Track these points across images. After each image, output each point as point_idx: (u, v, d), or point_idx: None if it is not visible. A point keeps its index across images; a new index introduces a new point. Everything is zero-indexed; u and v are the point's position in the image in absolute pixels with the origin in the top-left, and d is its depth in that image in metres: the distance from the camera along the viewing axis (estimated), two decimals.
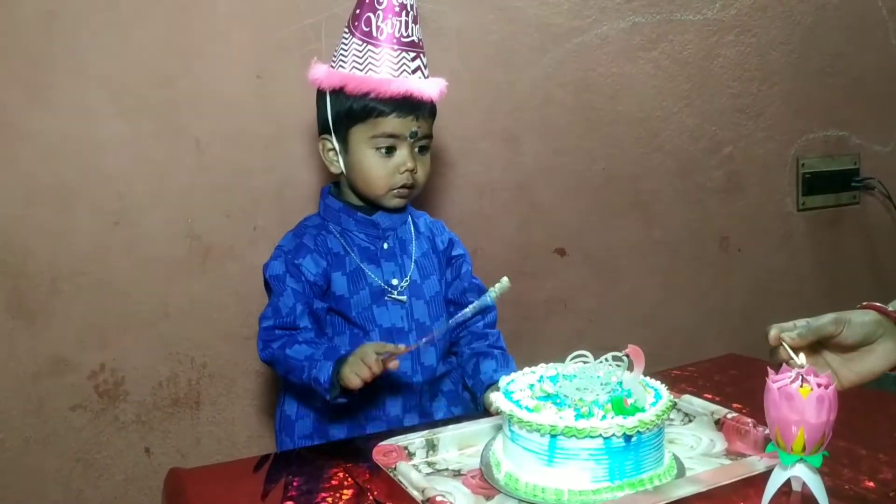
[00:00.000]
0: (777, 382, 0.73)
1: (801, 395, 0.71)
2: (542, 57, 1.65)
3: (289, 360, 1.08)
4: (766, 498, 0.76)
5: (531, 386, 0.91)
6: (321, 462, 0.97)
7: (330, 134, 1.17)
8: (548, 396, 0.87)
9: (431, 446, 0.95)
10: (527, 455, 0.83)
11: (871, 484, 0.85)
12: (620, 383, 0.87)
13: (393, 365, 1.02)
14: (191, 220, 1.39)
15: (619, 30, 1.72)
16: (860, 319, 0.82)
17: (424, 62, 1.16)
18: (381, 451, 0.93)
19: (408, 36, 1.13)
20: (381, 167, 1.14)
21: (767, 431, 0.87)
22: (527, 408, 0.84)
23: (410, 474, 0.86)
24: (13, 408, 1.31)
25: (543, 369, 0.95)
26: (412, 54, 1.13)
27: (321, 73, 1.16)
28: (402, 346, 1.04)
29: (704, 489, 0.82)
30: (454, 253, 1.27)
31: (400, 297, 1.17)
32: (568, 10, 1.66)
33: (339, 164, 1.18)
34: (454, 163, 1.59)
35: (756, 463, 0.86)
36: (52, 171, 1.29)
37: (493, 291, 1.04)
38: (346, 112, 1.13)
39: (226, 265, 1.42)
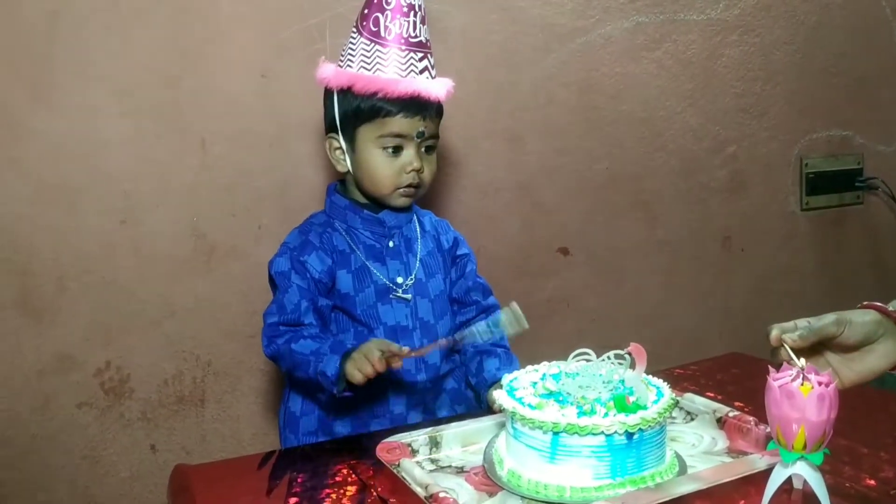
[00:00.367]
0: (778, 380, 0.74)
1: (802, 393, 0.71)
2: (546, 57, 1.65)
3: (294, 354, 1.09)
4: (767, 495, 0.76)
5: (534, 384, 0.91)
6: (325, 459, 0.97)
7: (337, 133, 1.17)
8: (550, 394, 0.88)
9: (435, 443, 0.96)
10: (529, 452, 0.84)
11: (872, 482, 0.85)
12: (623, 381, 0.88)
13: (396, 364, 1.02)
14: (195, 218, 1.40)
15: (622, 30, 1.72)
16: (861, 319, 0.83)
17: (432, 62, 1.16)
18: (385, 448, 0.94)
19: (416, 36, 1.13)
20: (388, 166, 1.15)
21: (769, 429, 0.87)
22: (529, 405, 0.85)
23: (414, 471, 0.87)
24: (20, 405, 1.32)
25: (546, 367, 0.96)
26: (420, 54, 1.14)
27: (329, 72, 1.16)
28: (406, 349, 1.04)
29: (706, 487, 0.82)
30: (459, 252, 1.27)
31: (405, 296, 1.18)
32: (571, 10, 1.66)
33: (345, 163, 1.18)
34: (457, 162, 1.59)
35: (757, 461, 0.87)
36: (58, 170, 1.30)
37: (508, 326, 1.03)
38: (354, 111, 1.14)
39: (230, 264, 1.43)
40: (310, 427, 1.18)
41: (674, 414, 1.02)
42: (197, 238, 1.40)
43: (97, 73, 1.31)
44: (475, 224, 1.60)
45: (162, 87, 1.35)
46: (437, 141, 1.20)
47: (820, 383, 0.72)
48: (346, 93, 1.14)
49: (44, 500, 1.35)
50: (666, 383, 0.91)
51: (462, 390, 1.24)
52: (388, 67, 1.12)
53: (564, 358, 0.92)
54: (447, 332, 1.22)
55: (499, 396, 0.89)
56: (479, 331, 1.06)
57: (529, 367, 0.97)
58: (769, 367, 0.76)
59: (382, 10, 1.12)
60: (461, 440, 0.97)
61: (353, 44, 1.15)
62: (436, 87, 1.15)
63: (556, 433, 0.81)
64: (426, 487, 0.82)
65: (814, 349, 0.83)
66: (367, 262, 1.17)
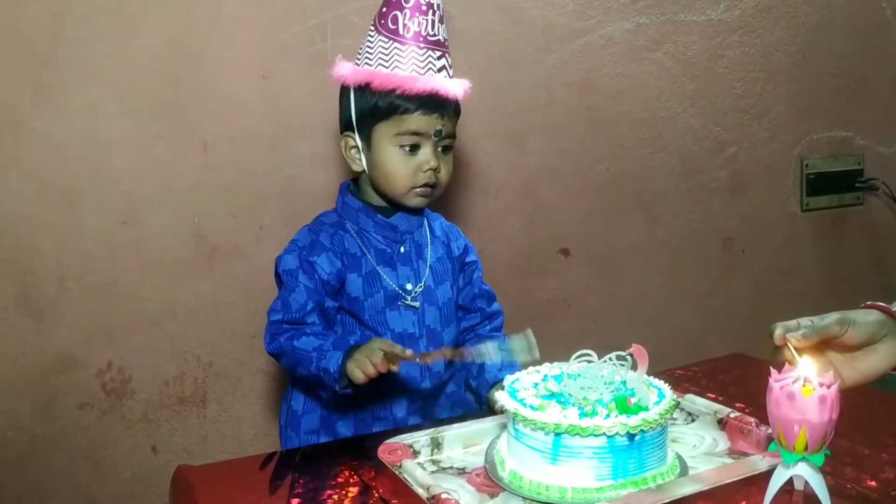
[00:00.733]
0: (779, 382, 0.74)
1: (804, 394, 0.71)
2: (547, 57, 1.65)
3: (297, 351, 1.08)
4: (769, 497, 0.76)
5: (535, 385, 0.91)
6: (327, 460, 0.97)
7: (353, 131, 1.16)
8: (552, 395, 0.88)
9: (436, 444, 0.96)
10: (531, 453, 0.84)
11: (874, 483, 0.85)
12: (624, 382, 0.88)
13: (394, 367, 1.01)
14: (197, 219, 1.40)
15: (623, 31, 1.72)
16: (864, 319, 0.83)
17: (449, 62, 1.15)
18: (387, 450, 0.94)
19: (434, 35, 1.13)
20: (405, 165, 1.13)
21: (770, 430, 0.87)
22: (531, 406, 0.85)
23: (415, 472, 0.87)
24: (21, 406, 1.32)
25: (548, 368, 0.96)
26: (438, 53, 1.13)
27: (346, 69, 1.15)
28: (409, 352, 1.03)
29: (707, 488, 0.82)
30: (468, 259, 1.26)
31: (413, 304, 1.17)
32: (572, 10, 1.66)
33: (361, 162, 1.17)
34: (458, 162, 1.59)
35: (758, 462, 0.87)
36: (59, 170, 1.30)
37: (520, 353, 1.02)
38: (371, 109, 1.13)
39: (232, 264, 1.43)
40: (312, 426, 1.18)
41: (675, 415, 1.02)
42: (198, 238, 1.40)
43: (99, 73, 1.31)
44: (476, 224, 1.60)
45: (164, 87, 1.35)
46: (454, 141, 1.18)
47: (821, 385, 0.72)
48: (363, 90, 1.13)
49: (45, 501, 1.35)
50: (667, 384, 0.91)
51: (462, 394, 1.24)
52: (406, 65, 1.11)
53: (565, 358, 0.92)
54: (452, 340, 1.21)
55: (500, 397, 0.89)
56: (489, 351, 1.05)
57: (531, 368, 0.97)
58: (770, 368, 0.76)
59: (401, 8, 1.11)
60: (463, 441, 0.97)
61: (371, 41, 1.14)
62: (454, 86, 1.14)
63: (557, 434, 0.81)
64: (428, 489, 0.82)
65: (816, 348, 0.83)
66: (377, 267, 1.16)
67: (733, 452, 0.94)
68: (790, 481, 0.76)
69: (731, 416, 0.98)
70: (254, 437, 1.48)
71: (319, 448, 1.07)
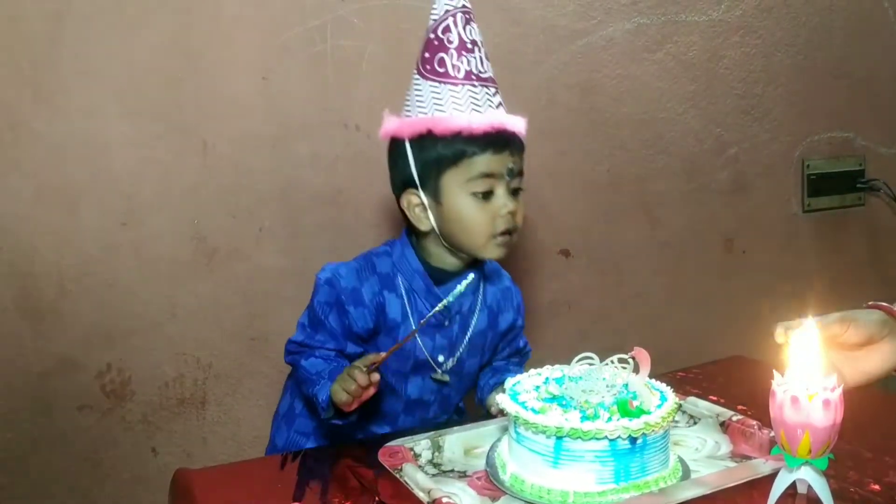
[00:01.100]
0: (782, 386, 0.73)
1: (807, 398, 0.71)
2: (547, 58, 1.65)
3: (301, 370, 1.06)
4: (772, 501, 0.76)
5: (537, 388, 0.91)
6: (327, 463, 0.97)
7: (416, 188, 1.07)
8: (553, 398, 0.87)
9: (437, 447, 0.96)
10: (532, 457, 0.83)
11: (877, 487, 0.85)
12: (626, 385, 0.87)
13: (376, 376, 0.96)
14: (196, 220, 1.40)
15: (623, 31, 1.72)
16: (866, 319, 0.82)
17: (502, 99, 1.09)
18: (387, 453, 0.94)
19: (485, 72, 1.07)
20: (481, 213, 1.05)
21: (772, 433, 0.87)
22: (532, 409, 0.84)
23: (416, 475, 0.86)
24: (21, 407, 1.32)
25: (549, 371, 0.96)
26: (492, 90, 1.07)
27: (397, 124, 1.08)
28: (383, 354, 0.97)
29: (709, 491, 0.82)
30: (515, 326, 1.20)
31: (443, 378, 1.12)
32: (573, 11, 1.66)
33: (429, 220, 1.08)
34: None
35: (761, 465, 0.86)
36: (59, 172, 1.30)
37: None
38: (435, 159, 1.04)
39: (232, 266, 1.42)
40: (305, 429, 1.16)
41: (676, 417, 1.01)
42: (198, 240, 1.40)
43: (99, 74, 1.31)
44: None
45: (163, 88, 1.35)
46: (523, 180, 1.10)
47: (825, 389, 0.72)
48: (421, 141, 1.05)
49: (44, 502, 1.35)
50: (669, 387, 0.91)
51: (463, 409, 1.23)
52: (464, 105, 1.04)
53: (566, 361, 0.92)
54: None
55: (502, 400, 0.88)
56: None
57: (532, 371, 0.97)
58: (773, 371, 0.75)
59: (445, 50, 1.05)
60: (463, 444, 0.97)
61: (419, 90, 1.07)
62: (517, 121, 1.08)
63: (559, 438, 0.81)
64: (429, 492, 0.82)
65: None
66: (417, 335, 1.09)
67: (736, 456, 0.93)
68: (793, 485, 0.76)
69: (734, 418, 0.98)
70: (254, 439, 1.48)
71: (320, 451, 1.07)
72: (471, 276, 0.96)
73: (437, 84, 1.05)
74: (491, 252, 1.08)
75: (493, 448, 0.94)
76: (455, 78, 1.05)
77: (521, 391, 0.90)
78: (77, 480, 1.36)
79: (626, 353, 0.89)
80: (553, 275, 1.72)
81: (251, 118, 1.41)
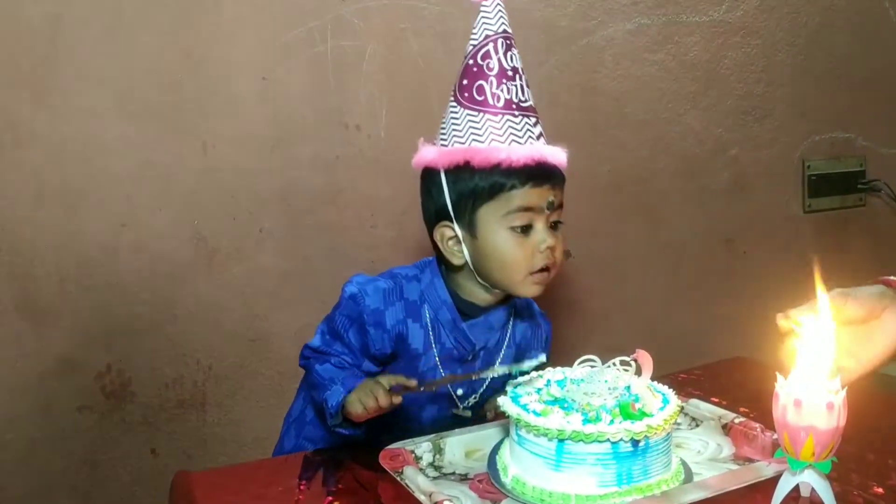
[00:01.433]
0: (785, 388, 0.73)
1: (811, 401, 0.71)
2: (548, 59, 1.65)
3: (314, 374, 1.04)
4: None
5: (538, 390, 0.90)
6: (328, 465, 0.97)
7: (450, 220, 1.02)
8: (555, 401, 0.87)
9: (438, 450, 0.95)
10: (534, 459, 0.83)
11: (880, 490, 0.85)
12: (628, 388, 0.87)
13: (397, 400, 0.93)
14: (196, 222, 1.39)
15: (624, 31, 1.71)
16: (865, 292, 0.82)
17: (542, 129, 1.04)
18: (388, 455, 0.93)
19: (525, 100, 1.02)
20: (519, 249, 1.00)
21: (775, 436, 0.87)
22: (534, 412, 0.84)
23: (417, 478, 0.86)
24: (20, 408, 1.31)
25: (551, 373, 0.95)
26: (533, 119, 1.02)
27: (432, 153, 1.03)
28: (414, 381, 0.95)
29: (712, 494, 0.81)
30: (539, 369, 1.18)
31: (464, 414, 1.08)
32: (573, 11, 1.66)
33: (462, 255, 1.03)
34: None
35: (764, 468, 0.86)
36: (59, 173, 1.30)
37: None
38: (471, 191, 1.00)
39: (232, 267, 1.42)
40: (314, 436, 1.15)
41: (679, 420, 1.01)
42: (198, 241, 1.40)
43: (99, 75, 1.30)
44: None
45: (163, 89, 1.35)
46: (562, 213, 1.05)
47: (829, 391, 0.71)
48: (457, 172, 1.00)
49: (44, 503, 1.35)
50: (672, 390, 0.90)
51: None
52: (504, 136, 0.99)
53: (568, 363, 0.91)
54: None
55: (503, 403, 0.88)
56: (496, 368, 0.98)
57: (534, 373, 0.96)
58: (777, 374, 0.75)
59: (485, 77, 1.00)
60: (465, 447, 0.97)
61: (456, 118, 1.02)
62: (558, 153, 1.03)
63: (561, 440, 0.80)
64: (430, 495, 0.82)
65: None
66: (438, 365, 1.06)
67: (738, 458, 0.93)
68: (796, 488, 0.76)
69: (736, 421, 0.97)
70: (253, 441, 1.47)
71: (321, 453, 1.06)
72: (542, 357, 0.93)
73: (475, 113, 1.01)
74: (527, 290, 1.03)
75: (494, 451, 0.93)
76: (494, 107, 1.00)
77: (523, 393, 0.90)
78: (76, 481, 1.36)
79: (628, 356, 0.89)
80: (554, 276, 1.71)
81: (251, 119, 1.41)
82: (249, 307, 1.43)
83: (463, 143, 1.01)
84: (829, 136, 2.01)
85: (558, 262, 1.04)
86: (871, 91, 2.03)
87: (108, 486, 1.38)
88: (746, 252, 1.93)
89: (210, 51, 1.37)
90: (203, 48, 1.37)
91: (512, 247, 1.00)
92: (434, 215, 1.05)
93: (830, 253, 2.05)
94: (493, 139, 0.99)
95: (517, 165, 0.98)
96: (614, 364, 0.89)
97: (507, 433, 0.92)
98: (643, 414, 0.82)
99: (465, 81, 1.02)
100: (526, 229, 1.01)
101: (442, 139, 1.04)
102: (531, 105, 1.03)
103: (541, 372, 0.96)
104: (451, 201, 1.02)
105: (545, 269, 1.02)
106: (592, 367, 0.90)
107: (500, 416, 0.95)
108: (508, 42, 1.03)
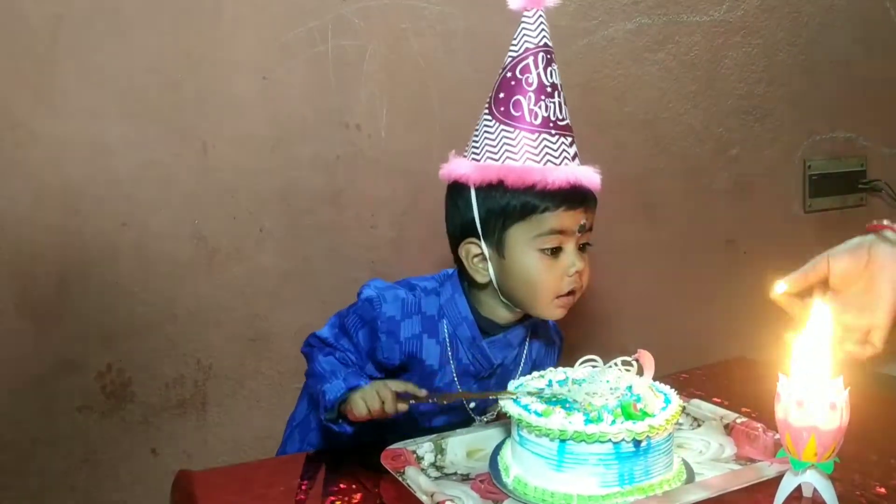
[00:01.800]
0: (787, 388, 0.73)
1: (813, 401, 0.71)
2: None
3: (316, 364, 1.02)
4: None
5: (540, 390, 0.90)
6: (330, 466, 0.97)
7: (478, 238, 1.00)
8: (557, 401, 0.87)
9: (440, 450, 0.95)
10: (536, 460, 0.83)
11: (883, 490, 0.84)
12: (630, 388, 0.87)
13: (403, 407, 0.92)
14: (197, 221, 1.39)
15: (625, 31, 1.71)
16: (842, 248, 0.87)
17: (577, 149, 1.01)
18: (390, 455, 0.93)
19: (563, 119, 0.99)
20: (548, 272, 0.98)
21: (777, 436, 0.87)
22: (536, 412, 0.84)
23: (419, 479, 0.86)
24: (20, 408, 1.31)
25: (552, 373, 0.95)
26: (569, 139, 1.00)
27: (465, 167, 0.99)
28: (424, 392, 0.93)
29: (714, 495, 0.81)
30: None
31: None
32: (574, 11, 1.65)
33: (488, 273, 1.01)
34: None
35: (766, 468, 0.86)
36: (60, 173, 1.29)
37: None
38: (502, 210, 0.97)
39: (232, 267, 1.42)
40: (319, 443, 1.13)
41: (680, 420, 1.01)
42: (198, 241, 1.40)
43: (99, 75, 1.30)
44: None
45: (164, 89, 1.34)
46: (591, 235, 1.03)
47: (831, 391, 0.71)
48: (488, 189, 0.97)
49: (44, 503, 1.34)
50: (673, 390, 0.90)
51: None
52: (540, 155, 0.96)
53: (570, 363, 0.91)
54: None
55: (504, 403, 0.88)
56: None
57: (535, 374, 0.96)
58: (779, 373, 0.75)
59: (523, 92, 0.97)
60: (466, 447, 0.97)
61: (490, 132, 0.99)
62: (594, 176, 1.00)
63: (562, 441, 0.80)
64: (431, 495, 0.82)
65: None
66: (455, 381, 1.05)
67: (740, 458, 0.93)
68: (798, 488, 0.76)
69: (738, 421, 0.97)
70: (254, 441, 1.47)
71: (322, 454, 1.07)
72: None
73: (510, 129, 0.97)
74: (550, 313, 1.02)
75: (496, 451, 0.93)
76: (531, 124, 0.97)
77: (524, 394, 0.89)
78: (77, 481, 1.36)
79: (630, 356, 0.89)
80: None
81: (251, 119, 1.41)
82: (249, 307, 1.42)
83: (496, 160, 0.98)
84: (829, 135, 2.01)
85: (584, 286, 1.01)
86: (872, 91, 2.04)
87: (108, 486, 1.38)
88: (747, 252, 1.93)
89: (210, 51, 1.37)
90: (203, 48, 1.36)
91: (541, 269, 0.98)
92: (460, 229, 1.02)
93: None
94: (528, 158, 0.96)
95: (551, 189, 0.95)
96: (616, 364, 0.89)
97: (508, 433, 0.92)
98: (645, 414, 0.82)
99: (501, 95, 0.99)
100: (556, 251, 0.98)
101: (475, 152, 1.01)
102: (568, 124, 1.00)
103: (542, 372, 0.96)
104: (480, 217, 0.99)
105: (571, 293, 1.00)
106: (594, 367, 0.90)
107: (502, 416, 0.95)
108: (549, 56, 1.00)
